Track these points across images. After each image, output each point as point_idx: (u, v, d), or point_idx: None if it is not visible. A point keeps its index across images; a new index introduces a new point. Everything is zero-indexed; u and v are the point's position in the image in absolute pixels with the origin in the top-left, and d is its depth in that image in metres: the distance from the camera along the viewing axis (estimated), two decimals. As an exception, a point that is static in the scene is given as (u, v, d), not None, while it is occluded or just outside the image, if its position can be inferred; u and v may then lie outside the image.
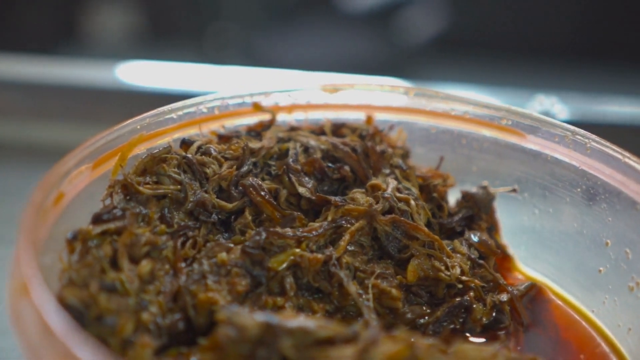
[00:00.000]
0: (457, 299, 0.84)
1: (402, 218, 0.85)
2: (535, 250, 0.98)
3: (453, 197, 0.99)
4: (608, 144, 0.86)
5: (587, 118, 1.45)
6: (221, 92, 0.96)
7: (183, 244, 0.80)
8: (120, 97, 1.54)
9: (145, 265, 0.75)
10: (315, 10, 3.61)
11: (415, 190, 0.92)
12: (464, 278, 0.85)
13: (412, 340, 0.64)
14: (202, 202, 0.83)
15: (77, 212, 0.76)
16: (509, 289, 0.88)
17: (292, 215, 0.84)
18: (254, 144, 0.91)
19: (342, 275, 0.80)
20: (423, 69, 3.64)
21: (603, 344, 0.83)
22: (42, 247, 0.63)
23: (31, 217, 0.63)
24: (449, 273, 0.84)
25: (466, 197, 0.97)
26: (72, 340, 0.51)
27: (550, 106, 1.45)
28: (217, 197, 0.85)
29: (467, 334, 0.83)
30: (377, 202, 0.86)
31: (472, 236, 0.91)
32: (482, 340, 0.83)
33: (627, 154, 0.83)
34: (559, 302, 0.92)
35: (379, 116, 1.02)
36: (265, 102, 0.98)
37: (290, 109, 0.99)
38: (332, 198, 0.86)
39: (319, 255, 0.80)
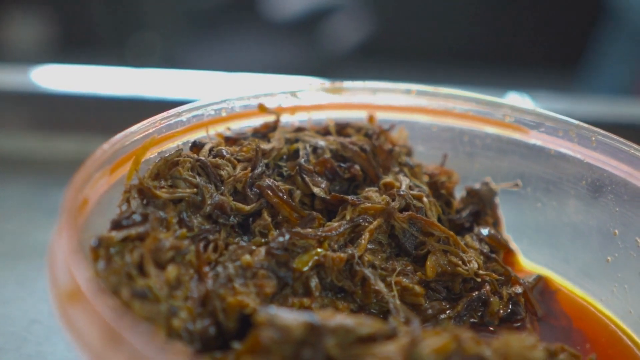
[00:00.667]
0: (475, 293, 0.85)
1: (418, 215, 0.86)
2: (539, 243, 0.99)
3: (456, 194, 1.00)
4: (614, 136, 0.88)
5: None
6: (225, 95, 0.95)
7: (205, 247, 0.78)
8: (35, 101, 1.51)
9: (172, 271, 0.74)
10: (241, 19, 3.63)
11: (425, 188, 0.93)
12: (480, 272, 0.86)
13: (456, 333, 0.65)
14: (221, 204, 0.82)
15: (97, 218, 0.74)
16: (521, 281, 0.89)
17: (311, 216, 0.84)
18: (265, 145, 0.90)
19: (368, 273, 0.80)
20: (347, 74, 3.70)
21: (617, 331, 0.85)
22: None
23: (70, 224, 0.61)
24: (466, 267, 0.85)
25: (471, 194, 0.98)
26: (141, 342, 0.50)
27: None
28: (233, 200, 0.84)
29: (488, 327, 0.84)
30: (393, 200, 0.86)
31: (482, 231, 0.93)
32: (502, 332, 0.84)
33: (635, 146, 0.86)
34: (567, 292, 0.94)
35: (380, 115, 1.02)
36: (269, 103, 0.97)
37: (293, 109, 0.99)
38: (349, 197, 0.86)
39: (342, 255, 0.80)
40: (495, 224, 0.99)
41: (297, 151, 0.92)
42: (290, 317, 0.66)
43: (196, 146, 0.88)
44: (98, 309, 0.51)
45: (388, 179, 0.90)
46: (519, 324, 0.86)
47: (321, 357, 0.64)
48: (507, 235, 1.00)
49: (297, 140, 0.93)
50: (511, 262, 1.00)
